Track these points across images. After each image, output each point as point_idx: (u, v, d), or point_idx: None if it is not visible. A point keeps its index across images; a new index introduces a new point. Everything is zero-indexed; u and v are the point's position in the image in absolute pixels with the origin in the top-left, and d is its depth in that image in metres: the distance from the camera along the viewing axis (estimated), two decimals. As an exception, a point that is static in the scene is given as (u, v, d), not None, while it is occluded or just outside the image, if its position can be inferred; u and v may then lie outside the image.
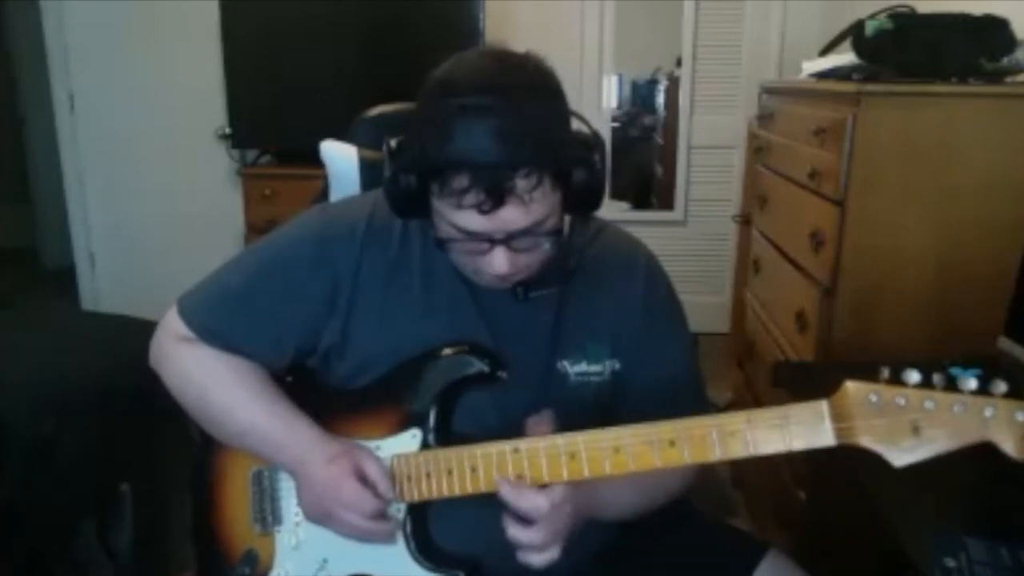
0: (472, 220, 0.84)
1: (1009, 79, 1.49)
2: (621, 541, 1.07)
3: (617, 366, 1.02)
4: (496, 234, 0.85)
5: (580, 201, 0.89)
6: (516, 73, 0.85)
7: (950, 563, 0.87)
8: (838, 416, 0.79)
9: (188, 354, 1.02)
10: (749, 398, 2.20)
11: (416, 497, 0.95)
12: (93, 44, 3.61)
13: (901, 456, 0.77)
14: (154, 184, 3.73)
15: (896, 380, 0.78)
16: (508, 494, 0.86)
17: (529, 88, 0.84)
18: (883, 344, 1.49)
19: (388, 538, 0.96)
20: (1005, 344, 1.29)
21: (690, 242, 3.74)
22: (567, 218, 0.93)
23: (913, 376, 0.77)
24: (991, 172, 1.43)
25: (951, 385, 0.76)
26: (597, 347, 1.01)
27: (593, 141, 0.89)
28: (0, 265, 4.98)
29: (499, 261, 0.87)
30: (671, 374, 1.03)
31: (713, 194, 3.68)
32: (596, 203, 0.91)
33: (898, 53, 1.48)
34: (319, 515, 0.96)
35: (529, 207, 0.83)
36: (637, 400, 1.01)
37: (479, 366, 0.95)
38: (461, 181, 0.81)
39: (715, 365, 3.07)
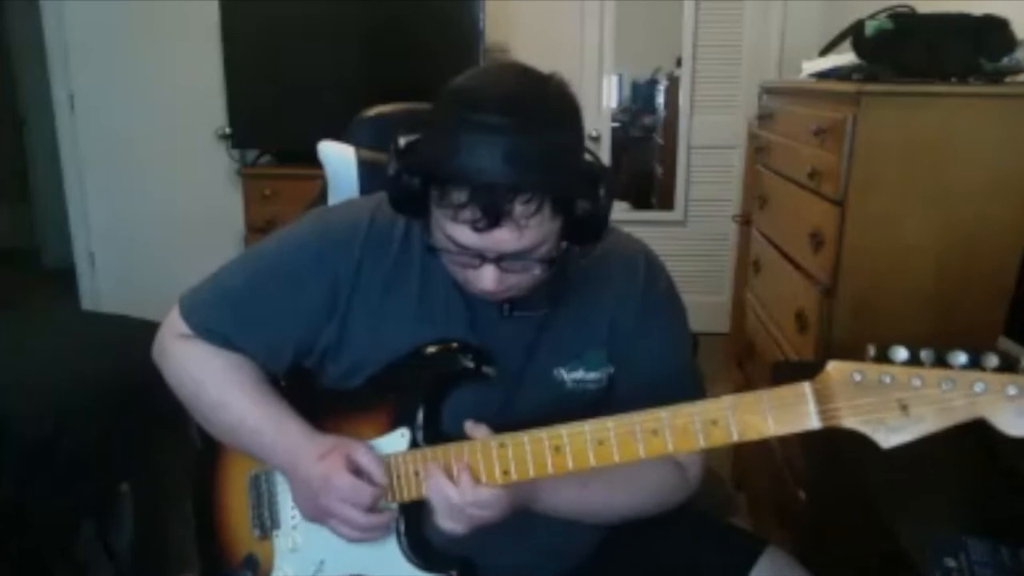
0: (466, 235, 0.83)
1: (1009, 79, 1.49)
2: (619, 539, 1.07)
3: (612, 371, 1.02)
4: (487, 252, 0.85)
5: (580, 232, 0.88)
6: (535, 96, 0.83)
7: (950, 563, 0.87)
8: (821, 398, 0.77)
9: (187, 350, 1.02)
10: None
11: (407, 497, 0.95)
12: (93, 44, 3.61)
13: (888, 436, 0.74)
14: (154, 184, 3.73)
15: (883, 358, 0.75)
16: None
17: (545, 112, 0.82)
18: (883, 344, 1.49)
19: (385, 532, 0.96)
20: (1005, 344, 1.29)
21: (690, 242, 3.73)
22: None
23: (900, 353, 0.74)
24: (991, 172, 1.43)
25: (940, 361, 0.73)
26: (596, 354, 1.01)
27: (601, 172, 0.88)
28: (0, 265, 4.98)
29: (487, 278, 0.87)
30: (665, 371, 1.03)
31: (713, 194, 3.68)
32: (597, 235, 0.90)
33: (898, 53, 1.48)
34: (315, 513, 0.96)
35: (523, 232, 0.82)
36: (631, 395, 1.01)
37: (464, 362, 0.96)
38: (460, 196, 0.80)
39: (715, 365, 3.07)
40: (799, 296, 1.68)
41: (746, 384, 2.28)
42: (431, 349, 0.97)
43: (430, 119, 0.85)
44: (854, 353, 1.54)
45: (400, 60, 3.12)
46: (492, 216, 0.80)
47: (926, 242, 1.46)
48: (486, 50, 3.18)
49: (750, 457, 2.22)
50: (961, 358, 0.72)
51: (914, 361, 0.74)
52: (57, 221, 4.29)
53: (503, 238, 0.82)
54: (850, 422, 0.75)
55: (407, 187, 0.86)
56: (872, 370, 0.75)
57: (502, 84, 0.85)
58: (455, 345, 0.96)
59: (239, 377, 1.00)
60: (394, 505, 0.96)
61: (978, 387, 0.72)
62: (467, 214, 0.81)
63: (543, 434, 0.87)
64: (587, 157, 0.89)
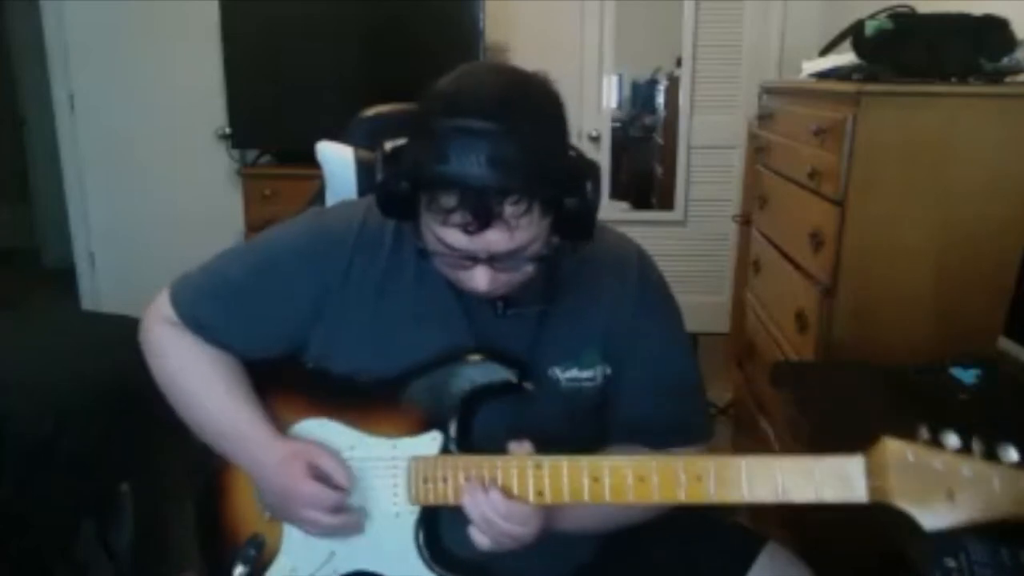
0: (457, 238, 0.84)
1: (1009, 79, 1.49)
2: (620, 539, 1.07)
3: (609, 371, 1.02)
4: (479, 253, 0.85)
5: (570, 228, 0.89)
6: (519, 97, 0.84)
7: (950, 563, 0.87)
8: (873, 472, 0.77)
9: (170, 336, 1.04)
10: (749, 398, 2.20)
11: (431, 500, 0.95)
12: (93, 44, 3.61)
13: (933, 520, 0.75)
14: (154, 184, 3.73)
15: (934, 442, 0.76)
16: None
17: (530, 113, 0.83)
18: (883, 344, 1.49)
19: (355, 530, 0.97)
20: (1005, 344, 1.29)
21: (690, 242, 3.73)
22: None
23: (952, 440, 0.75)
24: (991, 172, 1.43)
25: (990, 452, 0.74)
26: (589, 353, 1.01)
27: (587, 168, 0.89)
28: (0, 265, 4.98)
29: (480, 278, 0.87)
30: (669, 369, 1.03)
31: (713, 194, 3.68)
32: (586, 231, 0.90)
33: (898, 53, 1.48)
34: (283, 516, 0.99)
35: (514, 232, 0.83)
36: (631, 397, 1.01)
37: (505, 375, 0.95)
38: (449, 200, 0.81)
39: (715, 365, 3.07)
40: (799, 296, 1.68)
41: (746, 384, 2.28)
42: (473, 357, 0.97)
43: (415, 123, 0.85)
44: (855, 354, 1.54)
45: (400, 60, 3.12)
46: (482, 219, 0.81)
47: (926, 242, 1.46)
48: (486, 50, 3.18)
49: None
50: (1012, 454, 0.73)
51: (965, 448, 0.75)
52: (57, 221, 4.29)
53: (494, 239, 0.83)
54: (899, 501, 0.76)
55: (395, 192, 0.87)
56: (925, 454, 0.75)
57: (484, 86, 0.85)
58: (495, 355, 0.96)
59: (216, 372, 1.01)
60: (415, 512, 0.97)
61: None
62: (457, 218, 0.81)
63: (584, 462, 0.87)
64: (572, 153, 0.89)
